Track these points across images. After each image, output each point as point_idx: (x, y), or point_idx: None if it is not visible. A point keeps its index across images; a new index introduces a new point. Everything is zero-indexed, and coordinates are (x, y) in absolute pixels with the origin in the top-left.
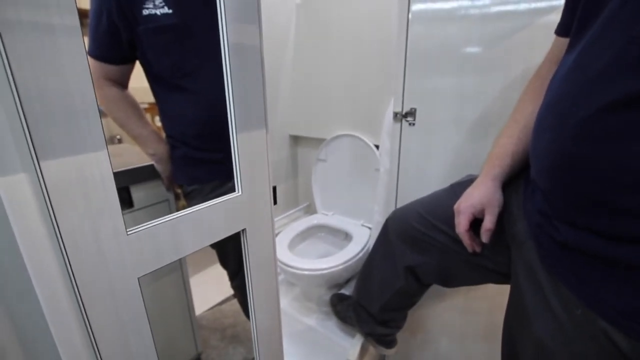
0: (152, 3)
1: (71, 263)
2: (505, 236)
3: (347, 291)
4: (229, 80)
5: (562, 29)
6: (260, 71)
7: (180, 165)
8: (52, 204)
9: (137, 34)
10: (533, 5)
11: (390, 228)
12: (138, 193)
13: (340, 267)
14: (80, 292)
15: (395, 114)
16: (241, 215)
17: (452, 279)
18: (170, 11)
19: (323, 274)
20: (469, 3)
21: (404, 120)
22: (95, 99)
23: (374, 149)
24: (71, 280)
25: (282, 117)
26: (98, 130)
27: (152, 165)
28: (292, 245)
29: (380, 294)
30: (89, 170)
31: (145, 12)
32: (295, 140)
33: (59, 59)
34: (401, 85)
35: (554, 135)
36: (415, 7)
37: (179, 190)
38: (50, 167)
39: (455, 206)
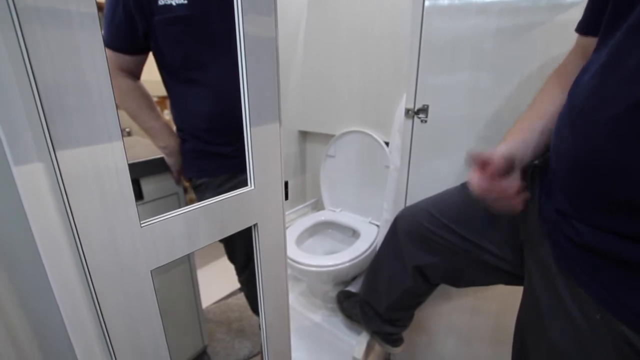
0: None
1: (85, 253)
2: (519, 235)
3: (353, 288)
4: (244, 73)
5: (585, 28)
6: (275, 64)
7: (189, 158)
8: (67, 194)
9: (153, 25)
10: (553, 0)
11: (399, 226)
12: (148, 186)
13: (347, 264)
14: (94, 282)
15: (407, 111)
16: (253, 209)
17: (461, 279)
18: (186, 2)
19: (330, 270)
20: None
21: (415, 117)
22: (112, 91)
23: (384, 145)
24: (84, 271)
25: (292, 112)
26: (114, 121)
27: (161, 158)
28: (300, 240)
29: (387, 292)
30: (104, 161)
31: (161, 2)
32: (304, 135)
33: (77, 49)
34: (414, 81)
35: (580, 133)
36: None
37: (187, 184)
38: (66, 157)
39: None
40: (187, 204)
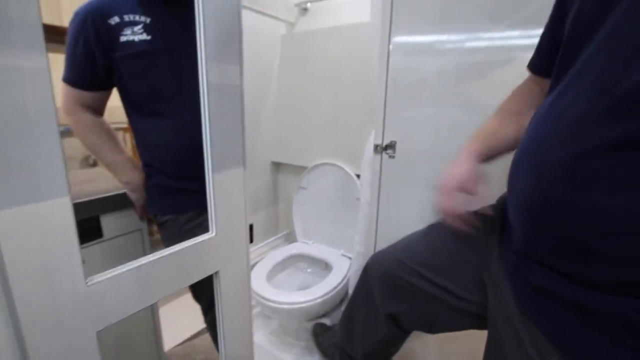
0: (130, 30)
1: (21, 319)
2: (484, 276)
3: (329, 320)
4: (207, 121)
5: (534, 66)
6: (240, 110)
7: (154, 194)
8: (4, 256)
9: (114, 60)
10: (507, 42)
11: (370, 274)
12: (109, 222)
13: (320, 300)
14: (29, 350)
15: (376, 147)
16: (215, 256)
17: (435, 325)
18: (149, 37)
19: (301, 307)
20: (446, 37)
21: (384, 153)
22: (59, 143)
23: (355, 178)
24: (19, 338)
25: (265, 144)
26: (61, 176)
27: (125, 193)
28: (271, 275)
29: (363, 341)
30: (48, 219)
31: (123, 38)
32: (277, 166)
33: (21, 100)
34: (382, 118)
35: (531, 176)
36: (395, 40)
37: (152, 220)
38: (3, 216)
39: (437, 185)
40: (152, 241)
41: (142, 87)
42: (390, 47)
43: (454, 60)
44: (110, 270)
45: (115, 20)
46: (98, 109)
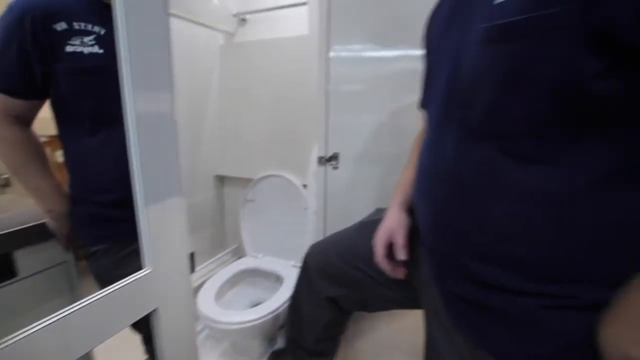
0: (79, 40)
1: None
2: (411, 274)
3: (283, 341)
4: (135, 153)
5: (421, 104)
6: (174, 139)
7: (85, 221)
8: None
9: (56, 71)
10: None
11: (310, 264)
12: (25, 258)
13: (271, 315)
14: None
15: (320, 159)
16: (151, 293)
17: (371, 307)
18: (102, 51)
19: (254, 325)
20: (382, 47)
21: (327, 164)
22: None
23: (302, 188)
24: None
25: (207, 157)
26: None
27: (44, 223)
28: (220, 294)
29: (311, 328)
30: None
31: (69, 48)
32: (221, 180)
33: None
34: (323, 130)
35: (425, 201)
36: (334, 52)
37: (79, 249)
38: None
39: (373, 240)
40: (78, 271)
41: (84, 105)
42: (329, 58)
43: (391, 68)
44: (22, 331)
45: (62, 26)
46: (28, 120)
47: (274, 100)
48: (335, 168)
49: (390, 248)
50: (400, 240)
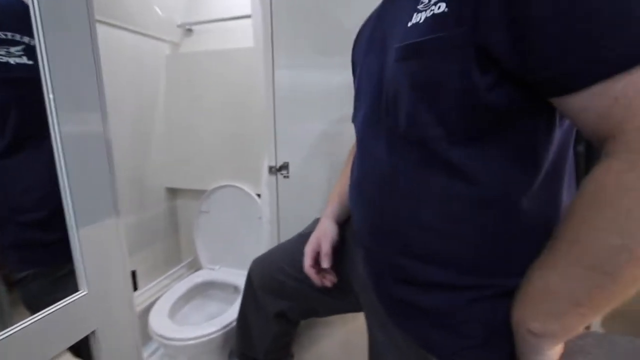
0: (5, 50)
1: None
2: (350, 280)
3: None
4: (63, 175)
5: (353, 118)
6: (106, 158)
7: (10, 245)
8: None
9: None
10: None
11: (254, 280)
12: None
13: (229, 328)
14: None
15: (270, 168)
16: (89, 315)
17: (320, 313)
18: (31, 62)
19: (211, 339)
20: (326, 57)
21: (278, 174)
22: None
23: (256, 198)
24: None
25: (157, 169)
26: None
27: None
28: (175, 310)
29: (260, 341)
30: None
31: None
32: (173, 192)
33: None
34: (272, 140)
35: (361, 204)
36: (279, 64)
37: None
38: None
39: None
40: (10, 304)
41: (8, 118)
42: (275, 70)
43: (335, 78)
44: None
45: None
46: None
47: (223, 110)
48: (286, 177)
49: (317, 257)
50: (325, 248)
